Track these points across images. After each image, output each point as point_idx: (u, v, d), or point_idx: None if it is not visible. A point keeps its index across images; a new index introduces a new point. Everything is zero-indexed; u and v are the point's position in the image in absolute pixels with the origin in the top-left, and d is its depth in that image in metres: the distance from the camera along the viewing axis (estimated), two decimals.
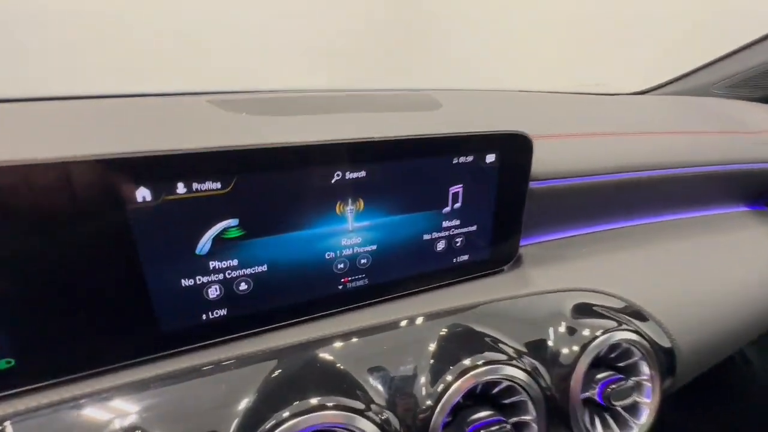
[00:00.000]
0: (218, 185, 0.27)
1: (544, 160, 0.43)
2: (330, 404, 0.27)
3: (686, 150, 0.53)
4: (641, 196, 0.54)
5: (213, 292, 0.30)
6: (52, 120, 0.32)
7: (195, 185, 0.27)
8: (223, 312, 0.31)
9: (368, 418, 0.27)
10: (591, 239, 0.50)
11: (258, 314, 0.32)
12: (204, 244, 0.28)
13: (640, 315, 0.40)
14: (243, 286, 0.31)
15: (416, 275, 0.38)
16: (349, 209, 0.33)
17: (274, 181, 0.29)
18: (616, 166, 0.47)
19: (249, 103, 0.41)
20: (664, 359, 0.39)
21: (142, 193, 0.25)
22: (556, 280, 0.41)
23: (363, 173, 0.32)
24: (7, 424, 0.24)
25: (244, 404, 0.27)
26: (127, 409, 0.26)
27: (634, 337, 0.36)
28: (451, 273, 0.40)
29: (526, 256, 0.45)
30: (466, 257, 0.40)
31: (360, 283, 0.35)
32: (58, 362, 0.26)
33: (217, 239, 0.29)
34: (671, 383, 0.41)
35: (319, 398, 0.27)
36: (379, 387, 0.30)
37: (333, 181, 0.31)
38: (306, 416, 0.26)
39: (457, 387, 0.30)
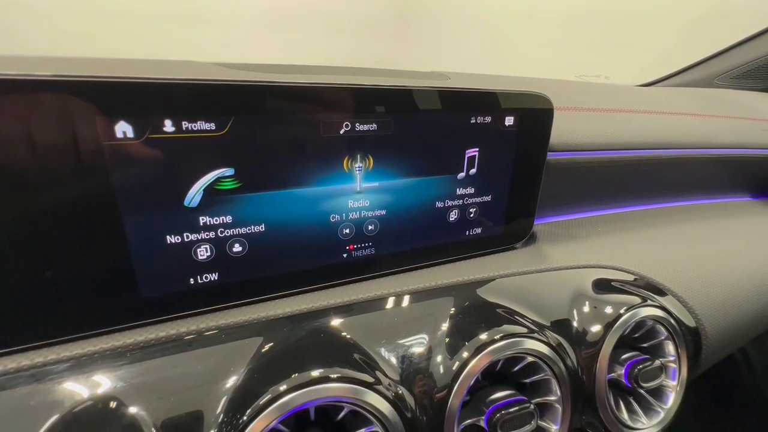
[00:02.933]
0: (212, 126, 0.24)
1: (562, 131, 0.41)
2: (334, 376, 0.24)
3: (703, 131, 0.51)
4: (654, 179, 0.52)
5: (203, 253, 0.26)
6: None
7: (185, 124, 0.23)
8: (213, 277, 0.27)
9: (379, 392, 0.24)
10: (604, 220, 0.48)
11: (253, 281, 0.28)
12: (194, 195, 0.25)
13: (661, 292, 0.38)
14: (237, 248, 0.27)
15: (427, 247, 0.35)
16: (357, 167, 0.29)
17: (276, 127, 0.26)
18: (635, 142, 0.45)
19: (258, 66, 0.38)
20: (690, 339, 0.37)
21: (123, 128, 0.22)
22: (573, 257, 0.39)
23: (374, 126, 0.29)
24: None
25: (234, 379, 0.24)
26: (99, 380, 0.22)
27: (660, 313, 0.34)
28: (463, 247, 0.37)
29: (540, 234, 0.42)
30: (479, 230, 0.37)
31: (367, 252, 0.32)
32: (25, 328, 0.22)
33: (209, 190, 0.25)
34: (696, 366, 0.38)
35: (321, 370, 0.24)
36: (391, 362, 0.27)
37: (341, 132, 0.28)
38: (306, 389, 0.23)
39: (474, 364, 0.27)
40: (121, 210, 0.23)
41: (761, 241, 0.51)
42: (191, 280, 0.26)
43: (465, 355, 0.27)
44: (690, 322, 0.37)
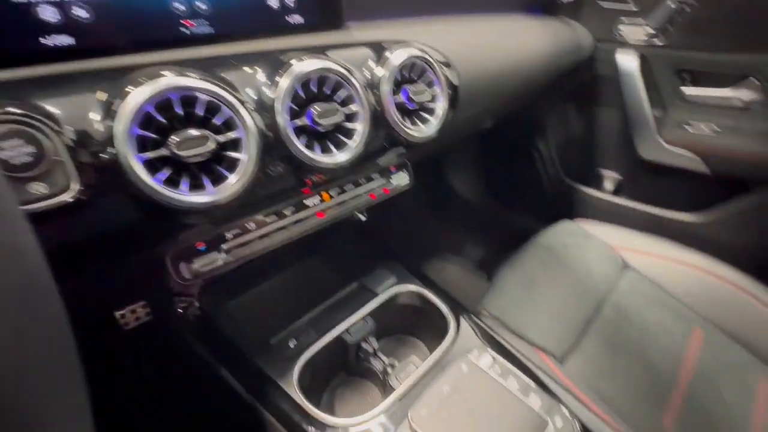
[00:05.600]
0: None
1: None
2: (196, 75, 0.34)
3: None
4: None
5: (48, 14, 0.32)
6: None
7: None
8: (70, 41, 0.33)
9: (243, 104, 0.36)
10: (410, 22, 0.62)
11: (103, 46, 0.35)
12: None
13: (442, 57, 0.55)
14: (83, 13, 0.33)
15: (255, 29, 0.44)
16: None
17: None
18: None
19: None
20: (452, 90, 0.55)
21: None
22: (374, 37, 0.52)
23: None
24: None
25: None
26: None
27: (424, 54, 0.50)
28: (286, 31, 0.47)
29: (353, 27, 0.54)
30: (299, 18, 0.47)
31: (207, 30, 0.40)
32: None
33: None
34: (454, 113, 0.56)
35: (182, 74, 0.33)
36: (245, 90, 0.38)
37: None
38: (170, 81, 0.32)
39: (290, 83, 0.39)
40: None
41: (514, 36, 0.73)
42: (42, 39, 0.32)
43: (279, 79, 0.39)
44: (455, 80, 0.55)
